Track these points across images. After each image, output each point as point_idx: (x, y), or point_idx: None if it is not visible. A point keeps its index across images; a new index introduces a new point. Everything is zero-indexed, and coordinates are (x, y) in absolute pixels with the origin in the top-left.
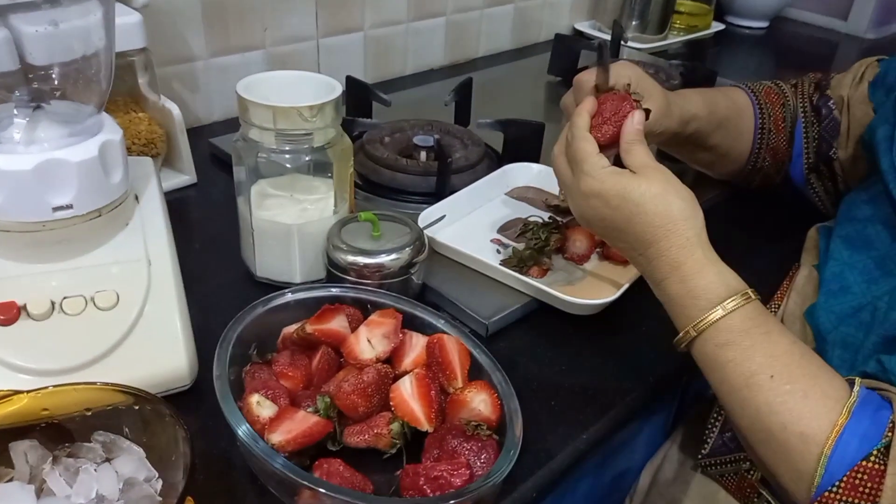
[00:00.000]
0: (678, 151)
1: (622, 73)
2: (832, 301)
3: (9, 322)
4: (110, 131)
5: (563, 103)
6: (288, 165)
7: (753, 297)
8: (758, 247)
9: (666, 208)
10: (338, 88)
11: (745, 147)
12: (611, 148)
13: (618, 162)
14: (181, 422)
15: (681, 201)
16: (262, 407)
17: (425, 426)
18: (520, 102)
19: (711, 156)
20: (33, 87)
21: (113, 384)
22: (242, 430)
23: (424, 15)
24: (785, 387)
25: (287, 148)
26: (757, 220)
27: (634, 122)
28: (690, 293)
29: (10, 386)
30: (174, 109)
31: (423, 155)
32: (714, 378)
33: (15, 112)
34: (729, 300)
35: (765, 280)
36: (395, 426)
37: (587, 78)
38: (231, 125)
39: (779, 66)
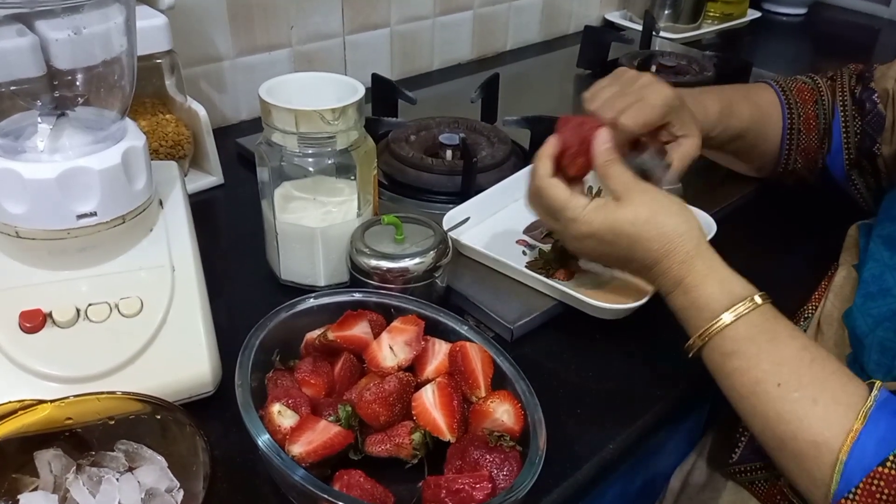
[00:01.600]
0: None
1: (649, 103)
2: (870, 304)
3: (35, 329)
4: (133, 137)
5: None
6: (311, 169)
7: (762, 301)
8: (794, 244)
9: (659, 230)
10: (360, 90)
11: (772, 149)
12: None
13: None
14: (201, 432)
15: (672, 218)
16: (283, 416)
17: (447, 436)
18: (548, 97)
19: (731, 158)
20: (57, 94)
21: (134, 393)
22: (263, 441)
23: (451, 9)
24: (793, 394)
25: (310, 151)
26: (792, 217)
27: (601, 143)
28: (694, 304)
29: (36, 394)
30: (200, 111)
31: (448, 154)
32: (723, 386)
33: (39, 120)
34: (731, 310)
35: (801, 279)
36: (417, 436)
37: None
38: (258, 124)
39: (817, 54)
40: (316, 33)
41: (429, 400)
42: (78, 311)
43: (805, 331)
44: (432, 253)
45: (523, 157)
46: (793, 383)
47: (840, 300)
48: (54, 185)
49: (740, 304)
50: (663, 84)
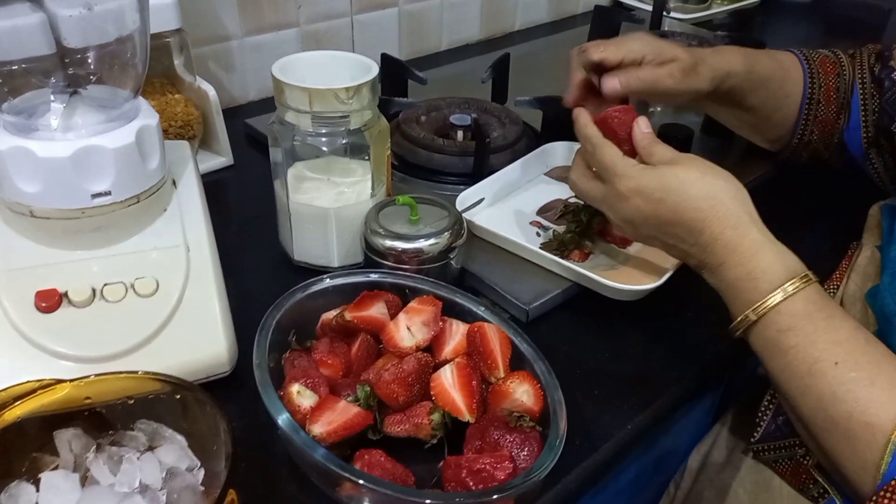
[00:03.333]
0: (716, 111)
1: (633, 48)
2: None
3: (51, 309)
4: (147, 116)
5: (575, 115)
6: (324, 148)
7: (813, 279)
8: (811, 224)
9: (710, 190)
10: (374, 69)
11: (791, 113)
12: None
13: None
14: (222, 411)
15: (723, 181)
16: (302, 397)
17: (467, 417)
18: (558, 78)
19: (752, 117)
20: (69, 72)
21: (154, 373)
22: (283, 420)
23: None
24: (850, 374)
25: (323, 130)
26: (809, 197)
27: (642, 129)
28: (750, 275)
29: (52, 373)
30: (210, 90)
31: (459, 134)
32: (774, 365)
33: (52, 98)
34: (790, 283)
35: (819, 259)
36: (436, 416)
37: (592, 53)
38: (267, 105)
39: (829, 35)
40: (324, 13)
41: (448, 380)
42: (94, 290)
43: None
44: (447, 234)
45: (535, 139)
46: (850, 363)
47: (863, 279)
48: (68, 164)
49: (797, 279)
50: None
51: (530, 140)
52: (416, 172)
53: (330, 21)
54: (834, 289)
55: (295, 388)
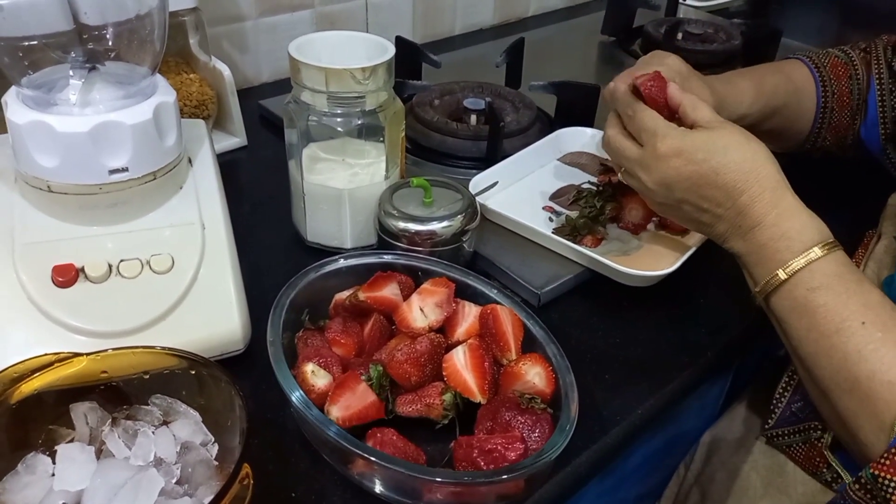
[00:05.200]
0: None
1: (667, 65)
2: None
3: (67, 284)
4: (164, 93)
5: (611, 90)
6: (339, 129)
7: (840, 247)
8: (825, 212)
9: (752, 153)
10: (391, 50)
11: (805, 127)
12: None
13: None
14: (237, 387)
15: (763, 148)
16: (316, 376)
17: (478, 398)
18: (572, 64)
19: (765, 137)
20: (88, 48)
21: (170, 349)
22: (296, 397)
23: None
24: (877, 334)
25: (339, 111)
26: (823, 184)
27: (677, 89)
28: (785, 235)
29: (68, 348)
30: (225, 70)
31: (473, 118)
32: (801, 324)
33: (70, 73)
34: (823, 244)
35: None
36: (448, 397)
37: (621, 86)
38: (280, 86)
39: (846, 22)
40: None
41: (460, 361)
42: (110, 266)
43: None
44: (461, 217)
45: (548, 124)
46: (878, 324)
47: (879, 268)
48: (87, 139)
49: (829, 240)
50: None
51: (544, 125)
52: (428, 156)
53: (344, 3)
54: None
55: (309, 367)
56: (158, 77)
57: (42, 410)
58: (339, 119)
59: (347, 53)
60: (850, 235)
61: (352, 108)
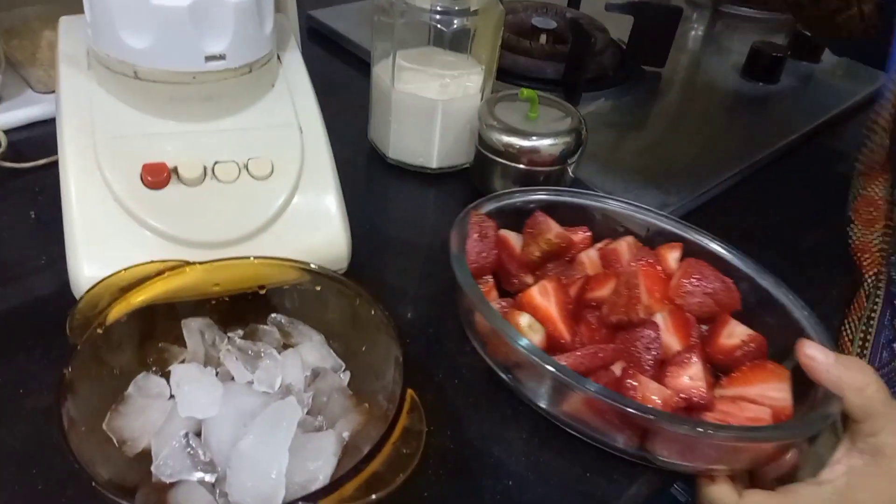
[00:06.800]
0: None
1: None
2: None
3: (159, 185)
4: None
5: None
6: (441, 28)
7: None
8: None
9: None
10: None
11: None
12: None
13: None
14: (380, 307)
15: None
16: (533, 332)
17: None
18: None
19: None
20: None
21: (293, 260)
22: (523, 343)
23: None
24: None
25: (439, 7)
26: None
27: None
28: None
29: (161, 257)
30: None
31: (542, 39)
32: None
33: None
34: None
35: None
36: None
37: None
38: None
39: None
40: None
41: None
42: (204, 168)
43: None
44: (570, 136)
45: (619, 52)
46: None
47: None
48: (185, 16)
49: None
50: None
51: (615, 52)
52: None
53: None
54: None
55: (524, 320)
56: None
57: (151, 326)
58: (437, 16)
59: None
60: None
61: (452, 6)
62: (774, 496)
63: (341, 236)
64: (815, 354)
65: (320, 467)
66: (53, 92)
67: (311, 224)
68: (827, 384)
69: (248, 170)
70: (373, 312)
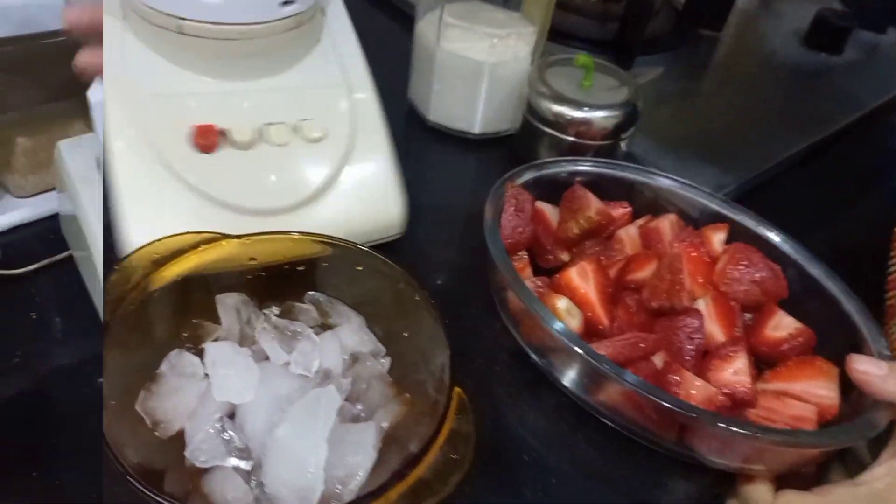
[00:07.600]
0: None
1: None
2: None
3: (209, 148)
4: None
5: None
6: None
7: None
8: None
9: None
10: None
11: None
12: None
13: None
14: (426, 293)
15: None
16: (571, 316)
17: None
18: None
19: None
20: None
21: (337, 238)
22: (558, 327)
23: None
24: None
25: None
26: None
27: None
28: None
29: (209, 225)
30: None
31: None
32: None
33: None
34: None
35: None
36: None
37: None
38: None
39: None
40: None
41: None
42: (256, 130)
43: None
44: (625, 109)
45: (675, 16)
46: None
47: None
48: None
49: None
50: None
51: (670, 15)
52: None
53: None
54: None
55: (562, 304)
56: None
57: (185, 300)
58: None
59: None
60: None
61: None
62: (809, 496)
63: (396, 201)
64: (867, 369)
65: (360, 462)
66: (34, 196)
67: (365, 189)
68: (883, 397)
69: (299, 132)
70: (417, 298)
